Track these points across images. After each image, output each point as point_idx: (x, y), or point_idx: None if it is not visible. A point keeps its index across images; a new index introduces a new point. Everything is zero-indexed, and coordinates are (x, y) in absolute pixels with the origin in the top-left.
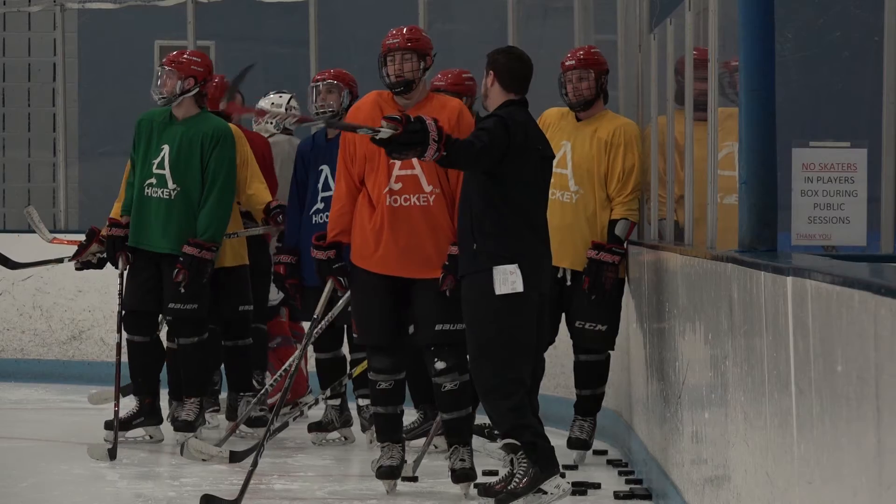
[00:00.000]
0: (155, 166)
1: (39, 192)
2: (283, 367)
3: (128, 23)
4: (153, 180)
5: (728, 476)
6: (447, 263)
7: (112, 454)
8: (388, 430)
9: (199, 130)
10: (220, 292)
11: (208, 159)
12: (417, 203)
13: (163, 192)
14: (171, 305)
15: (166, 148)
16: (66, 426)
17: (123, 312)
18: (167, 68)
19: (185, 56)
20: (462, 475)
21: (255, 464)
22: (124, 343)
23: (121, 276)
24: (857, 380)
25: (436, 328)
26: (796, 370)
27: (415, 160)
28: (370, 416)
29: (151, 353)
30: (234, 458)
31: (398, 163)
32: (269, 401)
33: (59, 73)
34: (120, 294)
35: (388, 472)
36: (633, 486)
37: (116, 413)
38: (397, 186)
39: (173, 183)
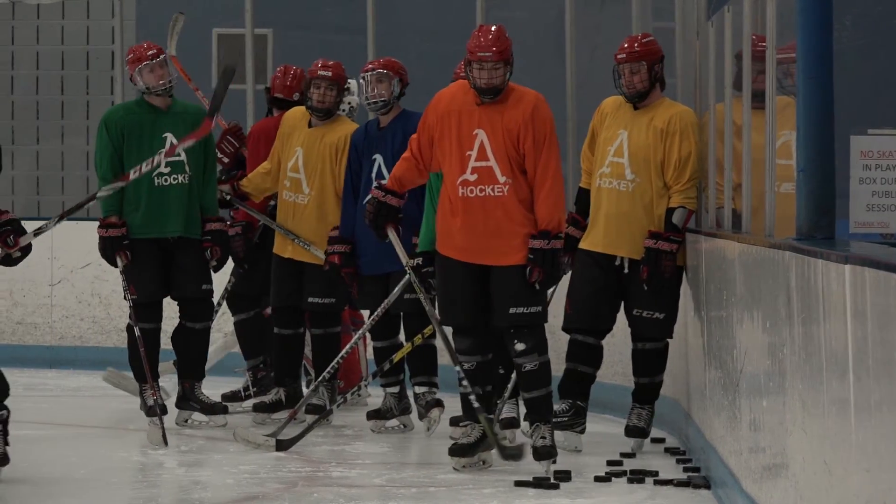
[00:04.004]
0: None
1: (98, 180)
2: (340, 355)
3: (186, 10)
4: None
5: (786, 464)
6: (531, 256)
7: (164, 440)
8: (469, 410)
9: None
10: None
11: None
12: (492, 194)
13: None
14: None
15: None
16: (124, 413)
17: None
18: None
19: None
20: (544, 452)
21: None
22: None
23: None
24: None
25: (510, 311)
26: (854, 358)
27: (490, 153)
28: (426, 403)
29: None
30: (282, 446)
31: (474, 154)
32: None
33: (118, 60)
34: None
35: (458, 451)
36: (690, 474)
37: (156, 400)
38: (473, 178)
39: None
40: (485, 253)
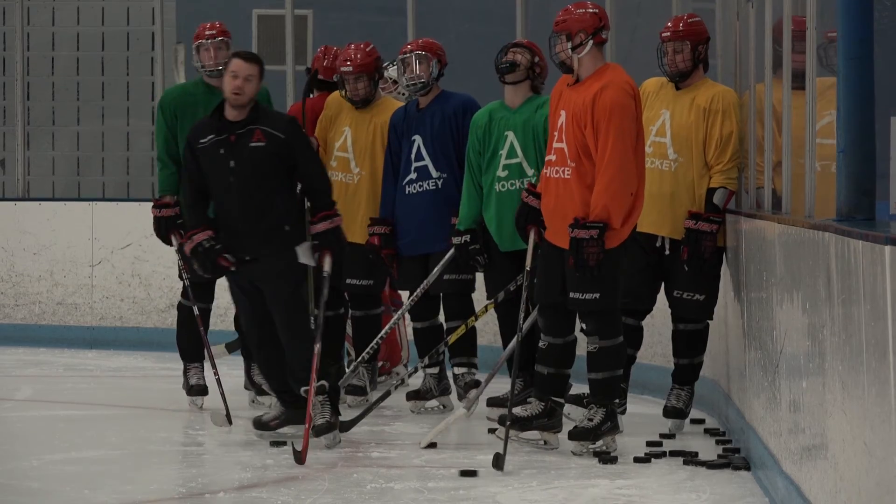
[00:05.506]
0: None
1: (138, 161)
2: (380, 335)
3: None
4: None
5: (825, 445)
6: (571, 245)
7: (229, 419)
8: (541, 386)
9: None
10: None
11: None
12: (562, 176)
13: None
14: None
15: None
16: (165, 394)
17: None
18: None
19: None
20: (575, 433)
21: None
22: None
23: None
24: None
25: (570, 295)
26: (894, 339)
27: (564, 135)
28: (465, 384)
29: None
30: (343, 427)
31: (556, 135)
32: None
33: (158, 41)
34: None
35: (501, 419)
36: (730, 454)
37: (218, 380)
38: (553, 158)
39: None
40: (559, 234)
